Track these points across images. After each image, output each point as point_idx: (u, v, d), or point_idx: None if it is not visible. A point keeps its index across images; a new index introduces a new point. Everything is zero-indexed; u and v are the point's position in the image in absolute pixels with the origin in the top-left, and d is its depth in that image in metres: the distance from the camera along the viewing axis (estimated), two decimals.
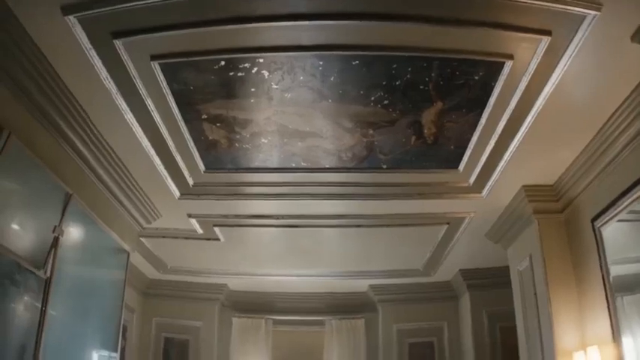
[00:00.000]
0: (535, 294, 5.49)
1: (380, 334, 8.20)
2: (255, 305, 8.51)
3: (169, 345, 8.12)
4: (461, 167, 5.16)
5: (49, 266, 4.05)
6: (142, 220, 5.85)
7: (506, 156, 4.85)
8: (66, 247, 4.29)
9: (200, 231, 6.45)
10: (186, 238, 6.68)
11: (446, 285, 8.12)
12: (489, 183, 5.33)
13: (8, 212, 3.57)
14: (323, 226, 6.24)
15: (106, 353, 5.11)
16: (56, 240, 4.15)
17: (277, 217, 6.02)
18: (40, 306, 3.92)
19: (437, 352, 8.10)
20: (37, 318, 3.89)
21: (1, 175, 3.40)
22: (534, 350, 5.50)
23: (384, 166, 5.13)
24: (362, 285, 8.24)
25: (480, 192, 5.49)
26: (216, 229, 6.40)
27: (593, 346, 4.72)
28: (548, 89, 3.94)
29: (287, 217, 6.03)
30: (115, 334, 5.35)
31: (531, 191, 5.44)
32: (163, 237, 6.64)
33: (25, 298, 3.79)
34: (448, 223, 6.27)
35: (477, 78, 3.93)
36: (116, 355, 5.32)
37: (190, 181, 5.37)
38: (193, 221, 6.18)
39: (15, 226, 3.69)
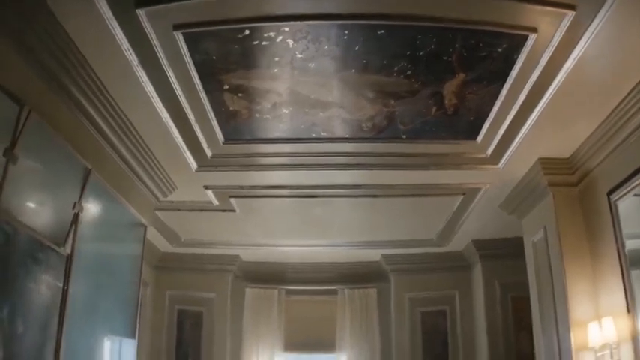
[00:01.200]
0: (549, 265, 5.48)
1: (392, 303, 8.16)
2: (267, 275, 8.46)
3: (183, 317, 8.09)
4: (479, 139, 5.13)
5: (70, 243, 3.98)
6: (158, 194, 5.78)
7: (525, 128, 4.82)
8: (85, 223, 4.21)
9: (216, 202, 6.38)
10: (201, 210, 6.61)
11: (458, 255, 8.06)
12: (506, 155, 5.29)
13: (29, 190, 3.51)
14: (339, 196, 6.18)
15: (125, 330, 5.07)
16: (76, 216, 4.09)
17: (294, 187, 5.95)
18: (61, 283, 3.87)
19: (449, 320, 8.07)
20: (59, 295, 3.84)
21: (22, 153, 3.29)
22: (548, 320, 5.50)
23: (404, 137, 5.09)
24: (374, 254, 8.18)
25: (497, 164, 5.45)
26: (232, 201, 6.32)
27: (608, 317, 4.74)
28: (569, 64, 3.92)
29: (303, 187, 5.96)
30: (133, 310, 5.30)
31: (547, 164, 5.40)
32: (178, 210, 6.57)
33: (48, 275, 3.73)
34: (464, 194, 6.22)
35: (499, 50, 3.89)
36: (136, 331, 5.27)
37: (209, 153, 5.30)
38: (209, 193, 6.11)
39: (36, 204, 3.64)
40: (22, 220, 3.37)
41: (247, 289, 8.36)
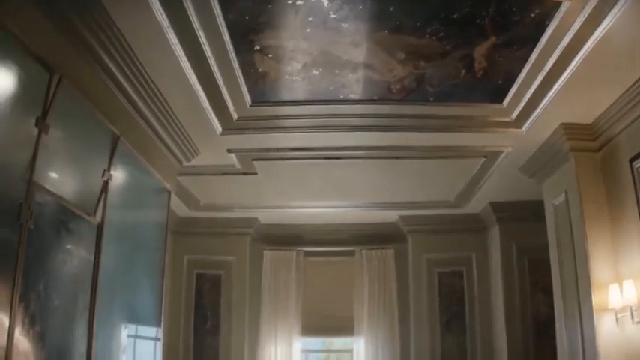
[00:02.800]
0: (570, 228, 5.47)
1: (410, 264, 8.08)
2: (285, 238, 8.35)
3: (201, 281, 8.02)
4: (505, 102, 5.07)
5: (100, 212, 3.86)
6: (182, 158, 5.64)
7: (550, 94, 4.76)
8: (113, 191, 4.08)
9: (238, 166, 6.25)
10: (223, 174, 6.50)
11: (475, 217, 7.96)
12: (530, 119, 5.24)
13: (59, 159, 3.37)
14: (361, 157, 6.06)
15: (152, 298, 4.98)
16: (106, 184, 3.97)
17: (318, 149, 5.82)
18: (93, 254, 3.77)
19: (466, 281, 8.00)
20: (90, 266, 3.74)
21: (53, 121, 3.15)
22: (569, 282, 5.49)
23: (431, 99, 5.01)
24: (392, 216, 8.07)
25: (520, 127, 5.40)
26: (255, 164, 6.20)
27: (628, 279, 4.78)
28: (599, 32, 3.86)
29: (327, 149, 5.83)
30: (159, 278, 5.19)
31: (570, 129, 5.34)
32: (199, 174, 6.45)
33: (80, 246, 3.63)
34: (485, 157, 6.13)
35: (532, 15, 3.85)
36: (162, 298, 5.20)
37: (234, 116, 5.17)
38: (232, 156, 5.98)
39: (66, 173, 3.51)
40: (53, 190, 3.23)
41: (265, 252, 8.24)
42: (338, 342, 8.49)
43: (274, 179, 6.66)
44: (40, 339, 3.05)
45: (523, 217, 7.31)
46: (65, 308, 3.39)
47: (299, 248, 8.22)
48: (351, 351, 8.05)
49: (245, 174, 6.46)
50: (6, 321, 2.69)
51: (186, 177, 6.39)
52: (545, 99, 4.86)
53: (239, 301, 7.92)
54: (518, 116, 5.24)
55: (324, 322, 8.10)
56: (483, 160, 6.19)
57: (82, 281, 3.62)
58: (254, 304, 8.02)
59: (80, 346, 3.52)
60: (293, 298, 7.98)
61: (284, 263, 8.11)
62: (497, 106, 5.14)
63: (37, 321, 3.00)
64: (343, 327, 8.00)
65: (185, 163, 5.76)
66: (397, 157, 6.07)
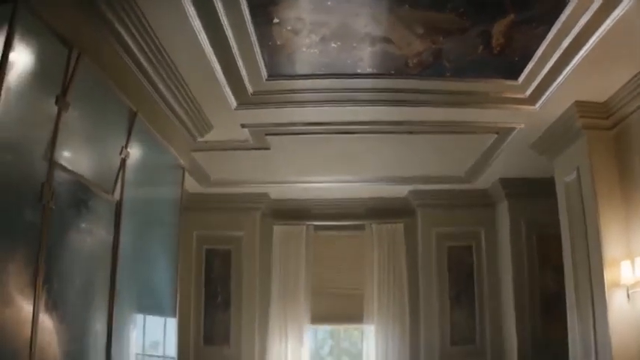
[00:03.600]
0: (582, 205, 5.44)
1: (419, 238, 8.00)
2: (295, 212, 8.23)
3: (211, 257, 7.94)
4: (520, 79, 5.04)
5: (118, 190, 3.79)
6: (196, 134, 5.54)
7: (566, 72, 4.71)
8: (130, 168, 4.00)
9: (251, 141, 6.16)
10: (235, 149, 6.40)
11: (483, 193, 7.87)
12: (544, 96, 5.19)
13: (78, 136, 3.27)
14: (375, 132, 5.98)
15: (167, 276, 4.93)
16: (123, 161, 3.88)
17: (332, 124, 5.74)
18: (112, 231, 3.70)
19: (475, 256, 7.93)
20: (109, 243, 3.68)
21: (72, 98, 3.05)
22: (581, 259, 5.47)
23: (447, 74, 4.97)
24: (402, 190, 7.97)
25: (534, 104, 5.35)
26: (268, 138, 6.11)
27: None
28: (617, 12, 3.82)
29: (341, 123, 5.75)
30: (174, 255, 5.13)
31: (583, 107, 5.30)
32: (211, 150, 6.34)
33: (99, 224, 3.57)
34: (497, 133, 6.06)
35: None
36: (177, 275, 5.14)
37: (250, 90, 5.08)
38: (246, 131, 5.88)
39: (84, 150, 3.42)
40: (73, 168, 3.15)
41: (275, 227, 8.13)
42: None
43: (287, 154, 6.57)
44: (63, 319, 3.00)
45: (532, 194, 7.25)
46: (86, 287, 3.35)
47: (309, 223, 8.11)
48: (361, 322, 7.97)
49: (258, 149, 6.37)
50: (30, 302, 2.63)
51: (197, 153, 6.30)
52: (560, 77, 4.80)
53: (249, 276, 7.85)
54: (532, 93, 5.19)
55: (335, 297, 8.02)
56: (495, 136, 6.13)
57: (102, 260, 3.56)
58: (264, 279, 7.94)
59: (100, 325, 3.47)
60: (303, 272, 7.88)
61: (294, 238, 8.02)
62: (512, 82, 5.10)
63: (59, 301, 2.96)
64: (353, 301, 7.92)
65: (199, 139, 5.67)
66: (410, 132, 5.99)
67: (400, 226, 8.04)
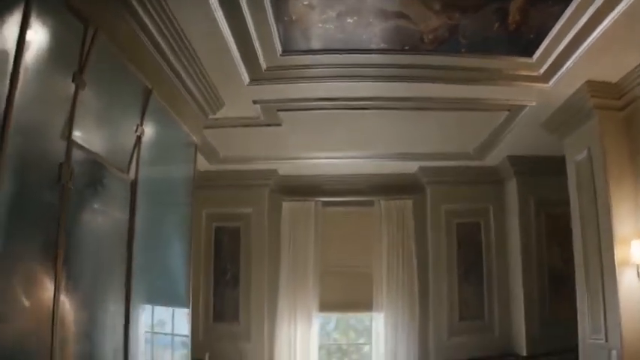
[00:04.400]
0: (593, 184, 5.44)
1: (428, 214, 7.96)
2: (304, 189, 8.14)
3: (220, 234, 7.87)
4: (535, 57, 4.99)
5: (133, 168, 3.70)
6: (208, 111, 5.44)
7: (580, 51, 4.66)
8: (144, 146, 3.90)
9: (263, 117, 6.07)
10: (246, 125, 6.30)
11: (491, 170, 7.80)
12: (557, 75, 5.14)
13: (94, 115, 3.16)
14: (388, 108, 5.89)
15: (182, 254, 4.88)
16: (138, 139, 3.78)
17: (344, 99, 5.65)
18: (127, 210, 3.63)
19: (483, 232, 7.89)
20: (125, 223, 3.61)
21: (89, 76, 2.95)
22: (591, 237, 5.47)
23: (462, 50, 4.91)
24: (411, 167, 7.90)
25: (547, 82, 5.29)
26: (280, 114, 6.03)
27: None
28: None
29: (354, 99, 5.66)
30: (188, 233, 5.07)
31: (595, 87, 5.25)
32: (222, 127, 6.23)
33: (115, 203, 3.51)
34: (509, 110, 6.00)
35: None
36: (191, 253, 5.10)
37: (263, 65, 5.00)
38: (257, 107, 5.80)
39: (100, 129, 3.33)
40: (89, 147, 3.07)
41: (284, 203, 8.05)
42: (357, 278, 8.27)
43: (298, 130, 6.49)
44: (82, 299, 2.96)
45: (541, 172, 7.25)
46: (103, 268, 3.29)
47: (317, 199, 8.04)
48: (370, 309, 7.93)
49: (269, 125, 6.28)
50: (51, 284, 2.57)
51: (207, 130, 6.17)
52: (574, 56, 4.74)
53: (258, 253, 7.80)
54: (546, 71, 5.14)
55: (343, 275, 7.97)
56: (507, 113, 6.07)
57: (118, 240, 3.50)
58: (273, 256, 7.89)
59: (117, 305, 3.43)
60: (312, 248, 7.83)
61: (303, 214, 7.95)
62: (526, 60, 5.04)
63: (78, 282, 2.90)
64: (362, 279, 7.87)
65: (211, 116, 5.58)
66: (422, 108, 5.93)
67: (409, 203, 7.98)
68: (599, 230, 5.31)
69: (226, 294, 7.71)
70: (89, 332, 3.06)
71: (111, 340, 3.34)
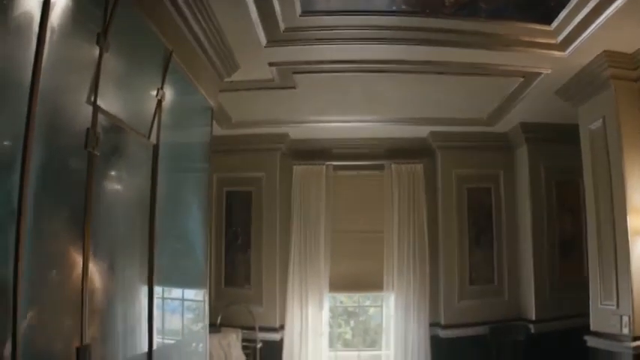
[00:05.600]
0: (607, 153, 5.39)
1: (439, 179, 7.89)
2: (315, 152, 8.04)
3: (232, 198, 7.80)
4: (554, 24, 4.86)
5: (155, 133, 3.57)
6: (223, 73, 5.29)
7: (600, 20, 4.52)
8: (163, 110, 3.75)
9: (277, 80, 5.92)
10: (259, 88, 6.14)
11: (502, 136, 7.73)
12: (575, 43, 4.98)
13: (116, 78, 3.00)
14: (403, 71, 5.73)
15: (200, 218, 4.78)
16: (159, 103, 3.63)
17: (361, 62, 5.50)
18: (150, 176, 3.52)
19: (493, 198, 7.85)
20: (148, 188, 3.50)
21: (112, 38, 2.81)
22: (604, 205, 5.44)
23: (482, 15, 4.77)
24: (422, 131, 7.80)
25: (564, 51, 5.14)
26: (296, 77, 5.87)
27: None
28: None
29: (371, 62, 5.50)
30: (206, 198, 4.95)
31: (611, 56, 5.14)
32: (236, 90, 6.07)
33: (138, 169, 3.41)
34: (523, 77, 5.88)
35: None
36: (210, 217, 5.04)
37: (282, 26, 4.84)
38: (273, 70, 5.64)
39: (122, 93, 3.17)
40: (113, 112, 2.95)
41: (295, 167, 7.94)
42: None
43: (313, 93, 6.34)
44: (108, 266, 2.88)
45: (552, 139, 7.22)
46: (127, 234, 3.21)
47: (328, 163, 7.94)
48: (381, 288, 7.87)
49: (283, 88, 6.13)
50: (79, 253, 2.50)
51: (220, 94, 6.03)
52: (594, 25, 4.61)
53: (269, 217, 7.74)
54: (564, 39, 4.99)
55: (354, 241, 7.89)
56: (521, 80, 5.95)
57: (141, 207, 3.41)
58: (284, 219, 7.82)
59: (140, 272, 3.36)
60: (323, 211, 7.75)
61: (314, 178, 7.84)
62: (545, 27, 4.91)
63: (104, 249, 2.82)
64: (372, 236, 7.81)
65: (226, 79, 5.43)
66: (437, 73, 5.77)
67: (420, 167, 7.90)
68: (612, 199, 5.28)
69: (237, 259, 7.67)
70: (115, 299, 3.00)
71: (136, 307, 3.29)
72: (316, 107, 6.86)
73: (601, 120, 5.46)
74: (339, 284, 7.71)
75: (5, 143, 2.06)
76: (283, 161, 7.92)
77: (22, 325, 2.00)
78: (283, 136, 7.77)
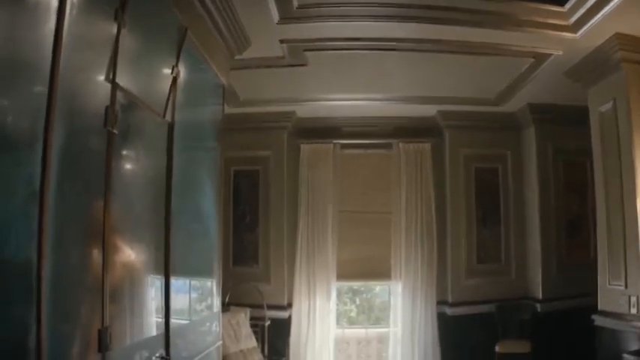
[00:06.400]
0: (617, 136, 5.35)
1: (447, 158, 7.82)
2: (323, 131, 7.93)
3: (239, 178, 7.69)
4: (567, 6, 4.79)
5: (170, 111, 3.48)
6: (235, 51, 5.18)
7: (613, 3, 4.46)
8: (178, 88, 3.64)
9: (288, 57, 5.79)
10: (269, 66, 6.03)
11: (509, 116, 7.63)
12: (587, 26, 4.92)
13: (131, 55, 2.87)
14: (414, 50, 5.63)
15: (212, 197, 4.70)
16: (174, 80, 3.53)
17: (374, 40, 5.39)
18: (165, 154, 3.44)
19: (501, 178, 7.79)
20: (164, 166, 3.42)
21: (129, 14, 2.72)
22: (614, 188, 5.42)
23: None
24: (430, 110, 7.68)
25: (576, 32, 5.07)
26: (307, 54, 5.75)
27: None
28: None
29: (382, 40, 5.40)
30: (217, 177, 4.85)
31: (623, 39, 5.07)
32: (245, 68, 5.93)
33: (154, 147, 3.32)
34: (534, 58, 5.78)
35: None
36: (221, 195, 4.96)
37: (295, 3, 4.74)
38: (284, 47, 5.53)
39: (138, 71, 3.07)
40: (131, 89, 2.85)
41: (302, 145, 7.84)
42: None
43: (323, 71, 6.22)
44: (127, 249, 2.81)
45: (560, 120, 7.18)
46: (144, 213, 3.14)
47: (336, 141, 7.85)
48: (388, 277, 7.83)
49: (294, 65, 6.00)
50: (100, 235, 2.44)
51: (231, 72, 5.95)
52: (607, 7, 4.54)
53: (277, 196, 7.66)
54: (576, 21, 4.93)
55: (362, 222, 7.82)
56: (532, 60, 5.85)
57: (157, 184, 3.33)
58: (291, 198, 7.74)
59: (158, 254, 3.29)
60: (330, 190, 7.67)
61: (321, 156, 7.75)
62: (558, 8, 4.84)
63: (124, 232, 2.76)
64: (379, 216, 7.76)
65: (237, 56, 5.33)
66: (448, 52, 5.66)
67: (427, 146, 7.81)
68: (622, 181, 5.26)
69: (245, 238, 7.60)
70: (133, 279, 2.95)
71: (153, 287, 3.24)
72: (326, 85, 6.74)
73: (611, 102, 5.39)
74: (346, 266, 7.62)
75: (25, 123, 1.98)
76: (290, 140, 7.82)
77: (46, 308, 1.94)
78: (290, 115, 7.65)
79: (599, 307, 5.47)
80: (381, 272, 7.72)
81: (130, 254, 2.85)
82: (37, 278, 1.90)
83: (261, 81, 6.55)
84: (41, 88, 2.01)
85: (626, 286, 5.10)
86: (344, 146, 7.86)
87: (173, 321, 3.39)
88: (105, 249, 2.43)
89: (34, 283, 1.89)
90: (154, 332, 3.15)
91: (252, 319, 6.71)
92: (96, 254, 2.40)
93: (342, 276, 7.61)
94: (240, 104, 7.23)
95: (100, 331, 2.35)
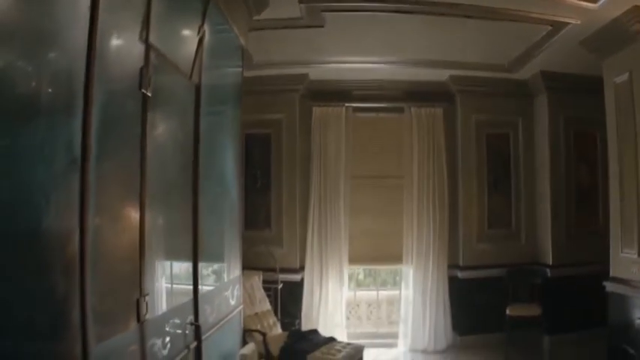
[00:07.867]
0: (633, 107, 5.25)
1: (459, 123, 7.64)
2: (335, 94, 7.70)
3: (251, 141, 7.34)
4: None
5: (197, 72, 3.34)
6: (254, 11, 4.99)
7: None
8: (203, 49, 3.50)
9: (305, 18, 5.57)
10: (286, 27, 5.79)
11: (521, 83, 7.44)
12: None
13: (159, 16, 2.69)
14: (432, 13, 5.39)
15: (233, 162, 4.59)
16: (200, 42, 3.38)
17: (392, 1, 5.18)
18: (193, 116, 3.32)
19: (512, 144, 7.64)
20: (192, 128, 3.29)
21: None
22: (628, 158, 5.36)
23: None
24: (442, 75, 7.47)
25: (595, 2, 4.91)
26: (325, 15, 5.52)
27: None
28: None
29: (401, 2, 5.19)
30: (239, 140, 4.80)
31: None
32: (262, 29, 5.66)
33: (182, 108, 3.21)
34: (551, 26, 5.59)
35: None
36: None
37: None
38: (302, 7, 5.31)
39: (167, 32, 2.92)
40: (163, 51, 2.71)
41: (315, 108, 7.61)
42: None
43: (339, 32, 5.99)
44: (161, 215, 2.68)
45: (573, 90, 7.03)
46: (174, 178, 3.01)
47: (348, 104, 7.62)
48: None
49: (310, 27, 5.78)
50: (137, 202, 2.30)
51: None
52: None
53: (289, 159, 7.47)
54: None
55: (373, 179, 7.67)
56: (549, 28, 5.65)
57: (185, 146, 3.19)
58: (304, 161, 7.56)
59: (186, 218, 3.18)
60: (342, 153, 7.50)
61: (333, 119, 7.55)
62: None
63: (158, 197, 2.64)
64: (390, 181, 7.61)
65: (255, 17, 5.12)
66: (465, 16, 5.44)
67: (439, 111, 7.61)
68: (636, 151, 5.15)
69: (258, 201, 7.40)
70: (165, 245, 2.84)
71: (183, 251, 3.15)
72: (341, 47, 6.52)
73: (627, 74, 5.28)
74: (357, 230, 7.50)
75: (62, 88, 1.83)
76: (302, 103, 7.60)
77: (89, 280, 1.82)
78: (303, 77, 7.42)
79: (611, 274, 5.43)
80: (392, 232, 7.56)
81: (162, 220, 2.73)
82: (80, 250, 1.78)
83: (276, 43, 6.32)
84: (79, 51, 1.87)
85: (638, 254, 5.04)
86: (356, 109, 7.66)
87: (201, 287, 3.31)
88: (143, 216, 2.32)
89: (76, 255, 1.77)
90: (184, 299, 3.07)
91: (264, 282, 6.60)
92: (134, 222, 2.31)
93: (353, 237, 7.45)
94: (253, 67, 6.97)
95: (138, 300, 2.25)
